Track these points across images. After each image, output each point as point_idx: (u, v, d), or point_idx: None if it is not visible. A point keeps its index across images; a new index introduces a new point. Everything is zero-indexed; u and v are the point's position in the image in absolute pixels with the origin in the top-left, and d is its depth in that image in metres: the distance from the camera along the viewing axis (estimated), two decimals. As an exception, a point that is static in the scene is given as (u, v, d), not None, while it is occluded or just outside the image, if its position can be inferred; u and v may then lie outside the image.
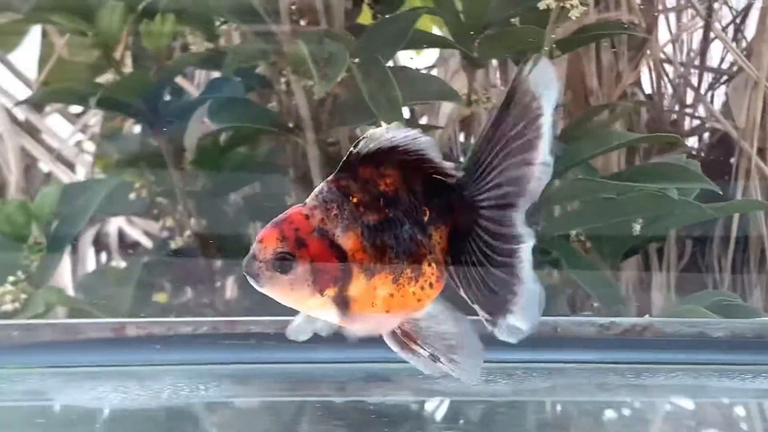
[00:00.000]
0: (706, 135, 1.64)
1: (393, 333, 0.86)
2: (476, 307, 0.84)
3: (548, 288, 1.32)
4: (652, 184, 1.23)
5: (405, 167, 0.84)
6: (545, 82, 0.81)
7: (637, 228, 1.33)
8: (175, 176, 1.42)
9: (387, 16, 1.35)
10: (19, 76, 2.03)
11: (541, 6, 1.29)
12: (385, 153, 0.82)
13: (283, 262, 0.81)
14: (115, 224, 1.79)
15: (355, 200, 0.83)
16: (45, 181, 2.13)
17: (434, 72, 1.58)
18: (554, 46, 1.30)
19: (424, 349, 0.86)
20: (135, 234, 1.81)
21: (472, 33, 1.38)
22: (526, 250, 0.82)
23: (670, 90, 1.65)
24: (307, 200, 0.84)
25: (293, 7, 1.29)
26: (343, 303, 0.83)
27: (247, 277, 0.81)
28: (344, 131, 1.36)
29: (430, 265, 0.84)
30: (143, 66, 1.41)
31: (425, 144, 0.82)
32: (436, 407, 1.07)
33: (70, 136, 2.06)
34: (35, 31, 1.94)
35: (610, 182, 1.23)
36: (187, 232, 1.46)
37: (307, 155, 1.34)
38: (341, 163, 0.83)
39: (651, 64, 1.60)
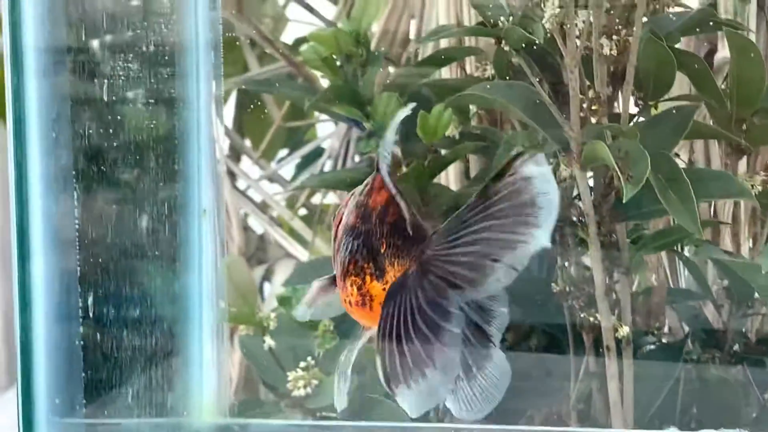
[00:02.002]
0: None
1: None
2: (378, 358, 0.80)
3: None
4: None
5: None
6: (547, 196, 0.77)
7: None
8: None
9: (671, 109, 1.35)
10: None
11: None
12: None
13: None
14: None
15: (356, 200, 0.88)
16: (259, 244, 2.19)
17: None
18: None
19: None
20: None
21: (739, 120, 1.39)
22: (451, 332, 0.78)
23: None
24: None
25: (584, 105, 1.30)
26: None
27: None
28: (622, 226, 1.36)
29: (352, 286, 0.85)
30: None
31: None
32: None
33: (283, 196, 2.12)
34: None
35: None
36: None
37: (589, 248, 1.34)
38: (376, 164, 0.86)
39: None
